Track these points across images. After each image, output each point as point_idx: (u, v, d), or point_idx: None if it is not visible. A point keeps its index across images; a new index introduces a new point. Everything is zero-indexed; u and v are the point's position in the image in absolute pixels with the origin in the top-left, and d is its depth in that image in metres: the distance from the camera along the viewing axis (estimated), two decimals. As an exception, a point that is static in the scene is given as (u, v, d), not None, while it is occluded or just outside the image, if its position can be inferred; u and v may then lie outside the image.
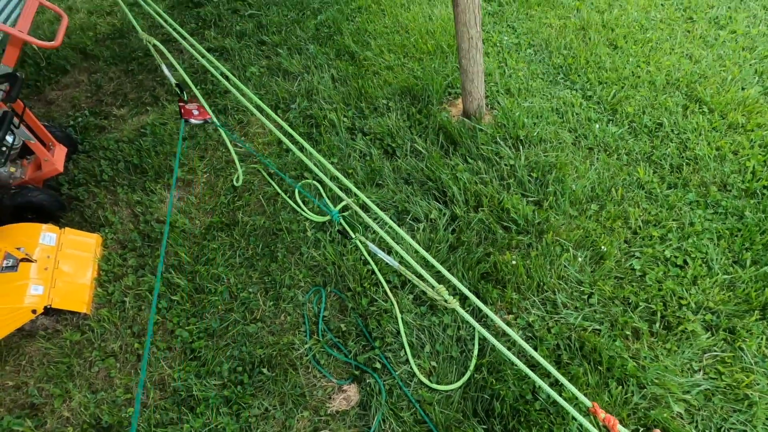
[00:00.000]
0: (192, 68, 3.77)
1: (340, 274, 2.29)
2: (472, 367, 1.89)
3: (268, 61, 3.70)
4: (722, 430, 1.63)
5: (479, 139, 2.68)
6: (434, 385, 1.88)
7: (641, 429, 1.65)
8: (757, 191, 2.20)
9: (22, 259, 2.20)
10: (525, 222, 2.27)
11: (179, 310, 2.26)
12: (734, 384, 1.70)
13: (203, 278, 2.37)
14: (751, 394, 1.67)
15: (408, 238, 1.38)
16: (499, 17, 3.58)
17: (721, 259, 2.02)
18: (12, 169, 2.69)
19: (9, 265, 2.19)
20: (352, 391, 1.94)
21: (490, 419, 1.75)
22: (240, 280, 2.37)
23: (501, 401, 1.76)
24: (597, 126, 2.63)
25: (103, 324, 2.26)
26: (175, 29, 2.09)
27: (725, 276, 1.97)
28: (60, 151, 2.86)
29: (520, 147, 2.60)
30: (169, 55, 2.17)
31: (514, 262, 2.13)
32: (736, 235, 2.08)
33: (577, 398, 1.09)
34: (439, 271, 1.32)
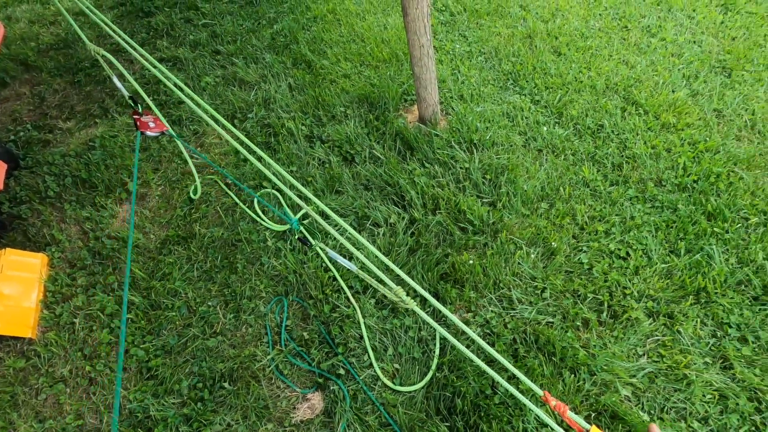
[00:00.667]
0: (143, 79, 3.66)
1: (302, 282, 2.28)
2: (433, 367, 1.93)
3: (224, 70, 3.65)
4: (665, 409, 1.74)
5: (435, 144, 2.75)
6: (398, 387, 1.90)
7: (593, 414, 1.73)
8: (688, 185, 2.38)
9: (-43, 284, 2.07)
10: (480, 222, 2.35)
11: (134, 329, 2.18)
12: (674, 365, 1.82)
13: (159, 294, 2.30)
14: (689, 373, 1.79)
15: (366, 242, 1.40)
16: (450, 26, 3.70)
17: (659, 249, 2.17)
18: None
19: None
20: (316, 400, 1.93)
21: (453, 416, 1.79)
22: (198, 294, 2.32)
23: (462, 398, 1.81)
24: (545, 129, 2.77)
25: (51, 348, 2.14)
26: (124, 39, 2.04)
27: (663, 265, 2.11)
28: (-1, 168, 2.71)
29: (474, 150, 2.69)
30: (119, 66, 2.11)
31: (471, 262, 2.20)
32: (671, 227, 2.24)
33: (531, 390, 1.15)
34: (400, 275, 1.35)
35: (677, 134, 2.63)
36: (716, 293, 2.00)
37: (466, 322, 2.05)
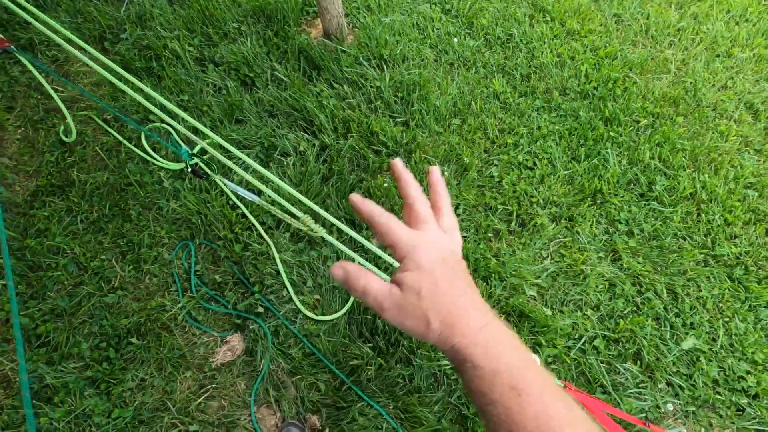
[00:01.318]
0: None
1: (208, 223, 2.10)
2: (354, 293, 1.93)
3: (80, -21, 2.97)
4: (564, 302, 1.92)
5: (343, 62, 2.53)
6: (319, 317, 1.89)
7: (503, 316, 1.86)
8: (589, 92, 2.45)
9: None
10: (394, 143, 2.27)
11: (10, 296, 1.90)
12: (573, 263, 1.98)
13: (37, 253, 2.00)
14: (585, 269, 1.96)
15: (270, 175, 1.25)
16: (353, -77, 3.28)
17: (562, 157, 2.26)
18: None
19: None
20: (236, 341, 1.86)
21: (375, 337, 1.83)
22: (88, 249, 2.05)
23: (383, 319, 1.84)
24: (456, 40, 2.65)
25: None
26: None
27: (565, 172, 2.21)
28: None
29: (385, 67, 2.52)
30: None
31: (386, 185, 2.14)
32: (573, 134, 2.32)
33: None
34: (308, 205, 1.24)
35: (581, 41, 2.65)
36: (610, 193, 2.15)
37: (384, 246, 2.04)
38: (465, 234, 2.05)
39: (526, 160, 2.25)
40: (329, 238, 1.26)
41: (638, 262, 2.00)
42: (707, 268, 1.99)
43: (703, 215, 2.12)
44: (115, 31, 2.75)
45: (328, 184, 2.18)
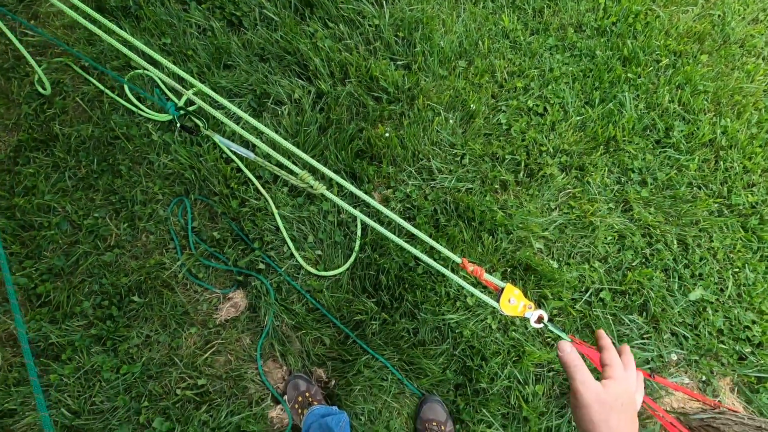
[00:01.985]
0: None
1: (202, 178, 2.01)
2: (356, 249, 1.88)
3: None
4: (572, 254, 1.87)
5: (338, -3, 2.30)
6: (322, 273, 1.85)
7: (508, 270, 1.83)
8: (607, 29, 2.25)
9: None
10: (395, 89, 2.11)
11: (7, 256, 1.86)
12: (582, 214, 1.91)
13: (27, 212, 1.93)
14: (594, 220, 1.90)
15: (263, 127, 1.14)
16: None
17: (575, 102, 2.11)
18: None
19: None
20: (239, 297, 1.85)
21: (378, 292, 1.81)
22: (79, 206, 1.98)
23: (386, 274, 1.81)
24: (462, -30, 2.39)
25: None
26: None
27: (578, 117, 2.08)
28: None
29: (384, 3, 2.29)
30: None
31: (387, 135, 2.02)
32: (588, 76, 2.16)
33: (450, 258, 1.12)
34: (306, 160, 1.14)
35: (601, -32, 2.39)
36: (624, 141, 2.04)
37: (387, 199, 1.97)
38: (470, 186, 1.97)
39: (537, 105, 2.11)
40: (329, 194, 1.19)
41: (649, 213, 1.93)
42: (721, 218, 1.93)
43: (721, 162, 2.02)
44: (85, -35, 2.48)
45: (326, 135, 2.06)
